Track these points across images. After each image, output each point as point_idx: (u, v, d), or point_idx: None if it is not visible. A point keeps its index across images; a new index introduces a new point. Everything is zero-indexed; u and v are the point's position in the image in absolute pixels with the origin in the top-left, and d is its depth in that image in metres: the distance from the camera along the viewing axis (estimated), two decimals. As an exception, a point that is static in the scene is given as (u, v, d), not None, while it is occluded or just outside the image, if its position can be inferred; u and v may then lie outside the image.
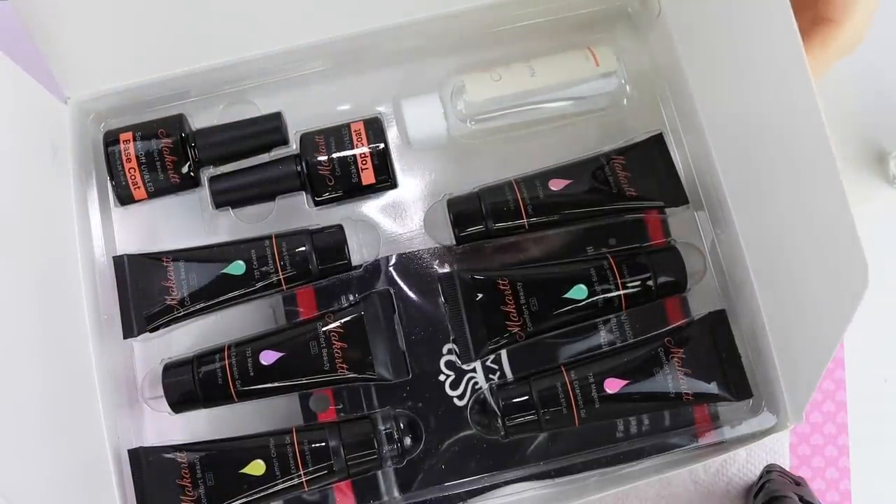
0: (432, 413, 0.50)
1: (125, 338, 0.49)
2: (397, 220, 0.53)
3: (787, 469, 0.53)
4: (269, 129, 0.52)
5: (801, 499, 0.47)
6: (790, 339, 0.48)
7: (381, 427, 0.48)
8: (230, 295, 0.49)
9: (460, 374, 0.51)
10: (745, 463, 0.54)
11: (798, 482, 0.51)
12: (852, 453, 0.55)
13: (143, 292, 0.49)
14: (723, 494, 0.54)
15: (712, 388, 0.49)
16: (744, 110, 0.52)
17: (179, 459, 0.47)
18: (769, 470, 0.52)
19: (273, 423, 0.50)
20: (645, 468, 0.50)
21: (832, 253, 0.50)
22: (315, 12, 0.52)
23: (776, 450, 0.54)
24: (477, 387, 0.51)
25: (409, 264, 0.52)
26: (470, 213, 0.51)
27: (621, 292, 0.49)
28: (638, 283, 0.49)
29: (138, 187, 0.50)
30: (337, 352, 0.48)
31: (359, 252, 0.51)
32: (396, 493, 0.50)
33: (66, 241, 0.50)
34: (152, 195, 0.51)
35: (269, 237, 0.50)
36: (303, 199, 0.53)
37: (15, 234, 0.45)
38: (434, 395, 0.50)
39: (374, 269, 0.52)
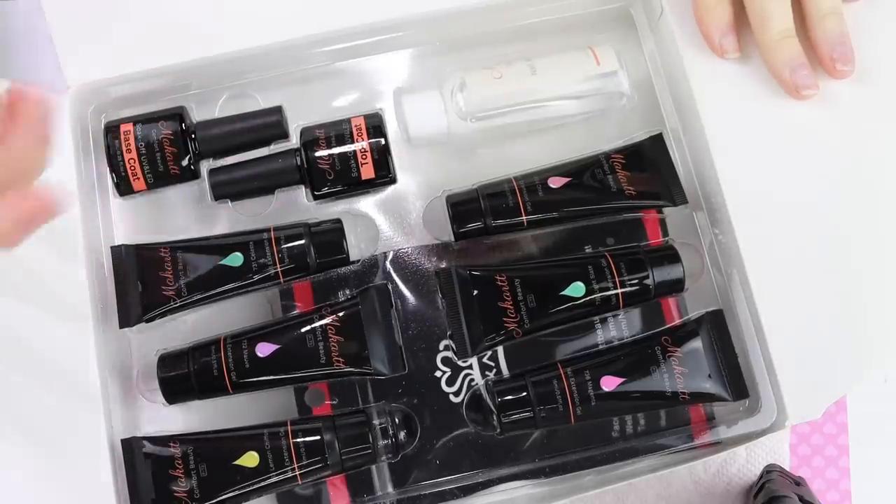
0: (427, 409, 0.50)
1: (121, 327, 0.49)
2: (396, 216, 0.53)
3: (787, 469, 0.53)
4: (270, 123, 0.52)
5: (801, 499, 0.46)
6: (787, 339, 0.48)
7: (376, 421, 0.48)
8: (227, 286, 0.49)
9: (456, 370, 0.50)
10: (745, 463, 0.54)
11: (798, 482, 0.50)
12: (852, 453, 0.54)
13: (140, 282, 0.49)
14: (723, 494, 0.53)
15: (709, 387, 0.48)
16: (744, 110, 0.52)
17: (173, 450, 0.47)
18: (769, 470, 0.51)
19: (268, 417, 0.49)
20: (640, 467, 0.50)
21: (830, 253, 0.50)
22: (317, 6, 0.52)
23: (776, 450, 0.54)
24: (473, 383, 0.50)
25: (407, 260, 0.52)
26: (469, 210, 0.50)
27: (619, 291, 0.49)
28: (636, 281, 0.49)
29: (138, 178, 0.50)
30: (333, 345, 0.48)
31: (357, 247, 0.51)
32: (390, 489, 0.49)
33: (66, 230, 0.49)
34: (152, 186, 0.51)
35: (267, 230, 0.50)
36: (302, 192, 0.53)
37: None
38: (430, 392, 0.50)
39: (372, 264, 0.51)
